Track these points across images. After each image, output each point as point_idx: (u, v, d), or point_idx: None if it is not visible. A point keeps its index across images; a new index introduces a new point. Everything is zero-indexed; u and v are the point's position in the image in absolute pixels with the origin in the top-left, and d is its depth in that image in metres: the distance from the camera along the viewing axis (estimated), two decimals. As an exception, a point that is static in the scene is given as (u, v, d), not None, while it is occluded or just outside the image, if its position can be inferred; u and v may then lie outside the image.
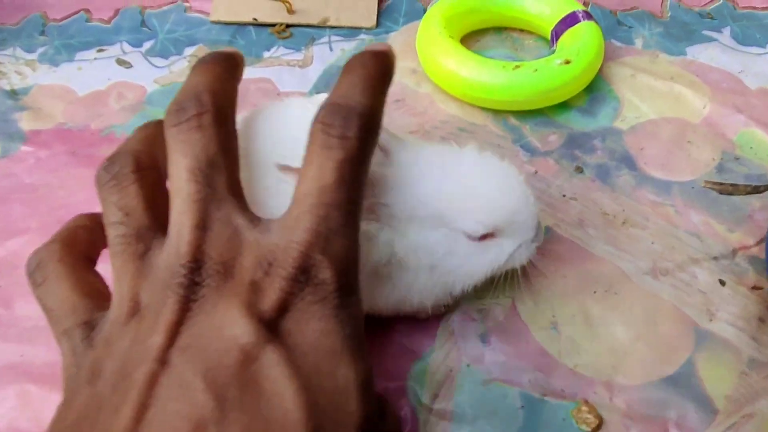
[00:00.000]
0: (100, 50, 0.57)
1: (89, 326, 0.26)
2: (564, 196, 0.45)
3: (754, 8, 0.58)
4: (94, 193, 0.28)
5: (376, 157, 0.29)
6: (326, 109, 0.25)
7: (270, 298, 0.23)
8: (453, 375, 0.36)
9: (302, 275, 0.23)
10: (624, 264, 0.41)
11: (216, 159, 0.25)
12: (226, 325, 0.23)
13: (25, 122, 0.52)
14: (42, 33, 0.58)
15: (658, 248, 0.42)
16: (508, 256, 0.34)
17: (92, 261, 0.30)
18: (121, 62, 0.56)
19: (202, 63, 0.29)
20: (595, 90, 0.52)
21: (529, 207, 0.33)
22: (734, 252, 0.41)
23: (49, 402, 0.36)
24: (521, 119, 0.50)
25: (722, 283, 0.40)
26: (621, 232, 0.43)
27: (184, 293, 0.23)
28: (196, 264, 0.23)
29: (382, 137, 0.30)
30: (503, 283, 0.35)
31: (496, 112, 0.51)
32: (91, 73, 0.55)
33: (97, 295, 0.27)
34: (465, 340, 0.37)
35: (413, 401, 0.35)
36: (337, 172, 0.24)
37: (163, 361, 0.22)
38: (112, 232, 0.26)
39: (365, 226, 0.30)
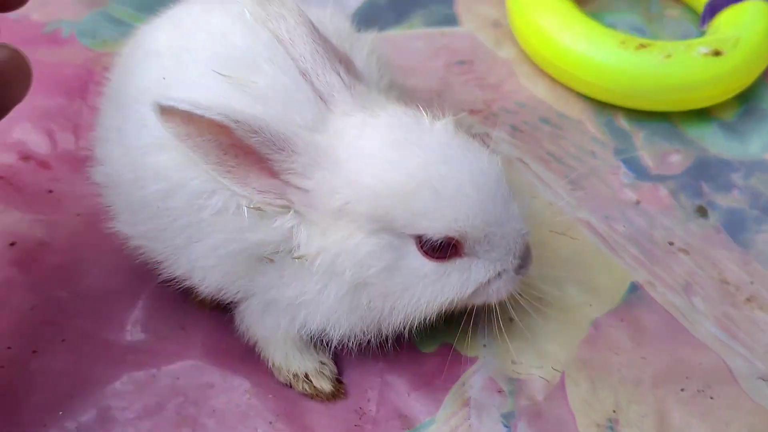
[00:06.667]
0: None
1: None
2: (671, 244, 0.34)
3: None
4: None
5: (309, 110, 0.24)
6: None
7: None
8: (454, 465, 0.27)
9: None
10: (734, 359, 0.31)
11: None
12: None
13: None
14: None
15: (790, 347, 0.30)
16: (477, 285, 0.25)
17: None
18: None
19: None
20: (751, 100, 0.40)
21: (513, 218, 0.25)
22: None
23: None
24: (634, 122, 0.39)
25: None
26: (742, 313, 0.32)
27: None
28: None
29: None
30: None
31: (601, 106, 0.39)
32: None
33: None
34: (481, 416, 0.28)
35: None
36: None
37: None
38: None
39: (268, 210, 0.24)
